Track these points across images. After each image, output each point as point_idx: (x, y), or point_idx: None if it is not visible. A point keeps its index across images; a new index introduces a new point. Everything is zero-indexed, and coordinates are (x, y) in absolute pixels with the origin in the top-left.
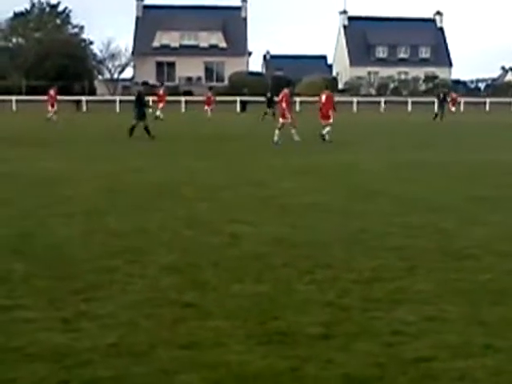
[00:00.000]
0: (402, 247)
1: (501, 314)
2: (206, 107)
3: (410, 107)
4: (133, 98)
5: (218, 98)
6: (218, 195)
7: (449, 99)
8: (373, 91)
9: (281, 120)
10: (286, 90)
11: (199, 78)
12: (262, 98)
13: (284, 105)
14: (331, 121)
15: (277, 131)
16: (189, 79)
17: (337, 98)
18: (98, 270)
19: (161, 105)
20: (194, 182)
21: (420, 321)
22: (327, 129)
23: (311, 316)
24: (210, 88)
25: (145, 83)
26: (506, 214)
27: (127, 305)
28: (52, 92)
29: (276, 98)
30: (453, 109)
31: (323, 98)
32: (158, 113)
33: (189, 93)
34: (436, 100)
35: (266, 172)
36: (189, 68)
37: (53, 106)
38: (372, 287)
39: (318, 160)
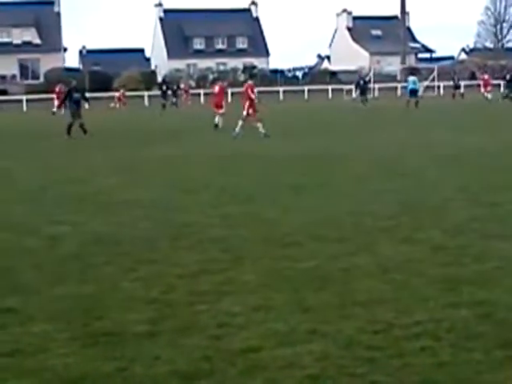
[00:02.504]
0: (226, 238)
1: (324, 299)
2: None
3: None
4: None
5: (34, 97)
6: (35, 195)
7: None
8: (193, 83)
9: (244, 113)
10: (250, 82)
11: (14, 76)
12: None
13: (252, 96)
14: (223, 111)
15: (240, 122)
16: (3, 77)
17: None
18: None
19: None
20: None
21: (246, 311)
22: (218, 118)
23: (136, 314)
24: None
25: None
26: (319, 200)
27: None
28: None
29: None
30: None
31: (216, 88)
32: None
33: (3, 92)
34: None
35: (84, 169)
36: (2, 66)
37: None
38: (198, 281)
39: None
